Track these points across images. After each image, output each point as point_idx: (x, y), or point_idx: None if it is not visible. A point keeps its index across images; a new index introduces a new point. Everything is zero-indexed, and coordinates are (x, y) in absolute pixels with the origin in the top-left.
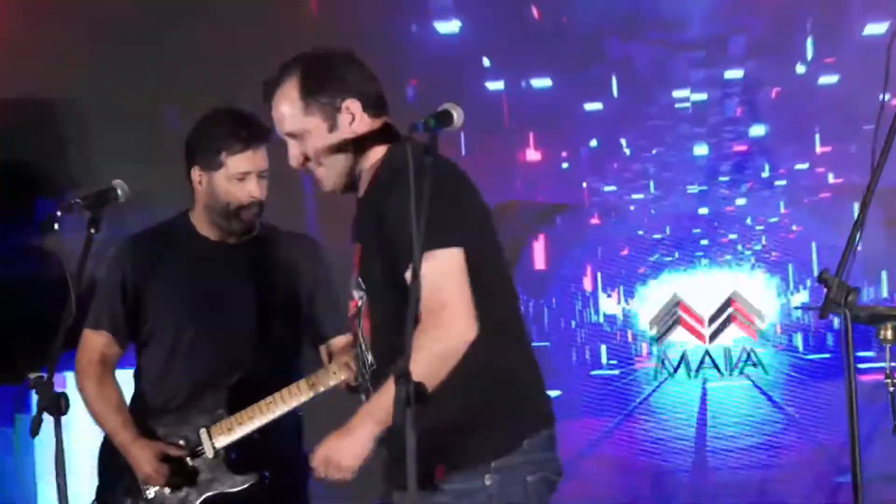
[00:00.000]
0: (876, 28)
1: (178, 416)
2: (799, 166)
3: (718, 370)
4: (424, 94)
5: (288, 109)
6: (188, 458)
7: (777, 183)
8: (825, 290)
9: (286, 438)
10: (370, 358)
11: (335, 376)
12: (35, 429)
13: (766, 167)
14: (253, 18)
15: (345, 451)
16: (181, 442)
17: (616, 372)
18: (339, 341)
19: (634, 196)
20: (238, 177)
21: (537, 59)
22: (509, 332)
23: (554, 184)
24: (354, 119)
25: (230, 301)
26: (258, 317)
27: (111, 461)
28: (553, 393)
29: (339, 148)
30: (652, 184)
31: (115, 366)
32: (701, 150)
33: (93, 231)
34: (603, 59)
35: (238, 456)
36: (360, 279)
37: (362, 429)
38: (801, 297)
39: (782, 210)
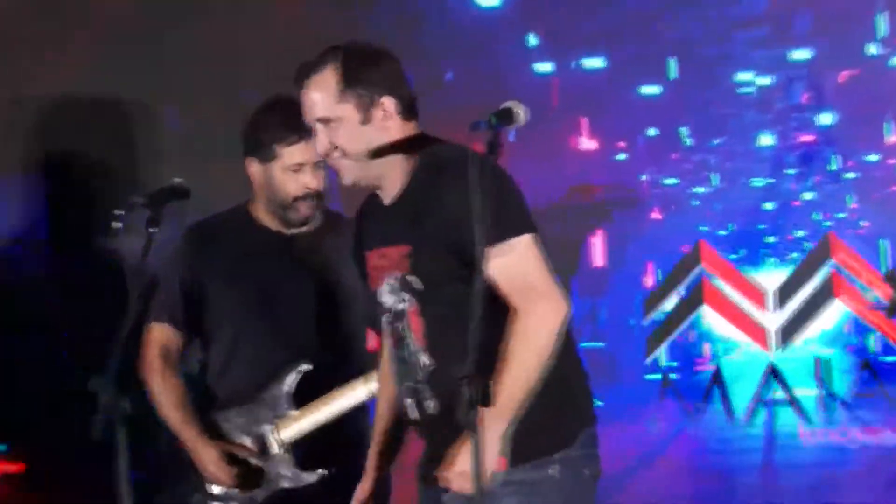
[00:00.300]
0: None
1: (243, 411)
2: (869, 158)
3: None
4: (463, 76)
5: (323, 94)
6: (255, 455)
7: (845, 176)
8: (893, 289)
9: (351, 433)
10: (424, 359)
11: None
12: (97, 430)
13: (834, 159)
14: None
15: (489, 452)
16: (246, 438)
17: (673, 376)
18: None
19: (696, 189)
20: (293, 168)
21: (589, 36)
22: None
23: (610, 175)
24: (387, 117)
25: (291, 291)
26: (320, 307)
27: (177, 455)
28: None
29: (371, 146)
30: (715, 176)
31: (178, 360)
32: (766, 139)
33: (152, 230)
34: (659, 37)
35: (303, 451)
36: (406, 279)
37: (492, 432)
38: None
39: (851, 205)
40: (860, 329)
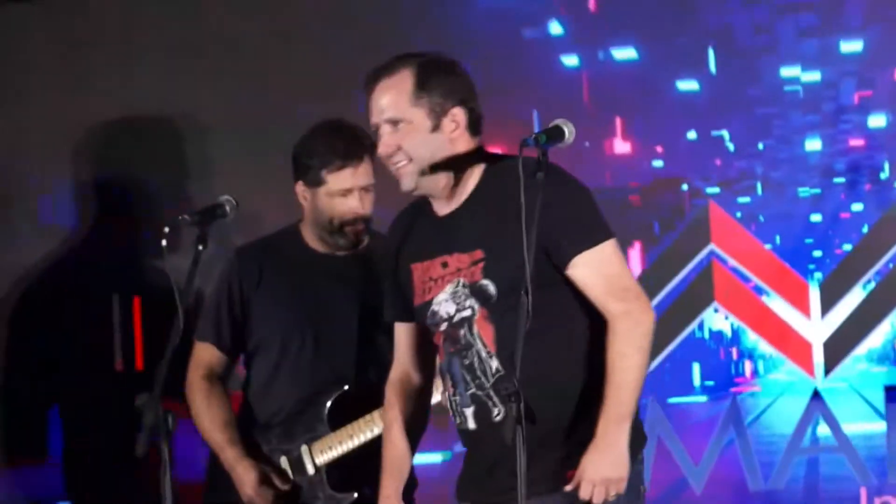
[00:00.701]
0: None
1: (282, 432)
2: None
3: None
4: (481, 68)
5: (396, 96)
6: (290, 476)
7: None
8: None
9: None
10: (495, 364)
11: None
12: (142, 448)
13: (886, 166)
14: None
15: (618, 466)
16: (283, 459)
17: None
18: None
19: (741, 200)
20: (340, 193)
21: (620, 19)
22: None
23: (648, 182)
24: (457, 128)
25: (336, 313)
26: (364, 330)
27: (219, 474)
28: None
29: (436, 155)
30: (759, 185)
31: (226, 379)
32: (813, 144)
33: (200, 248)
34: (697, 25)
35: (339, 473)
36: (478, 285)
37: (619, 435)
38: None
39: None
40: None
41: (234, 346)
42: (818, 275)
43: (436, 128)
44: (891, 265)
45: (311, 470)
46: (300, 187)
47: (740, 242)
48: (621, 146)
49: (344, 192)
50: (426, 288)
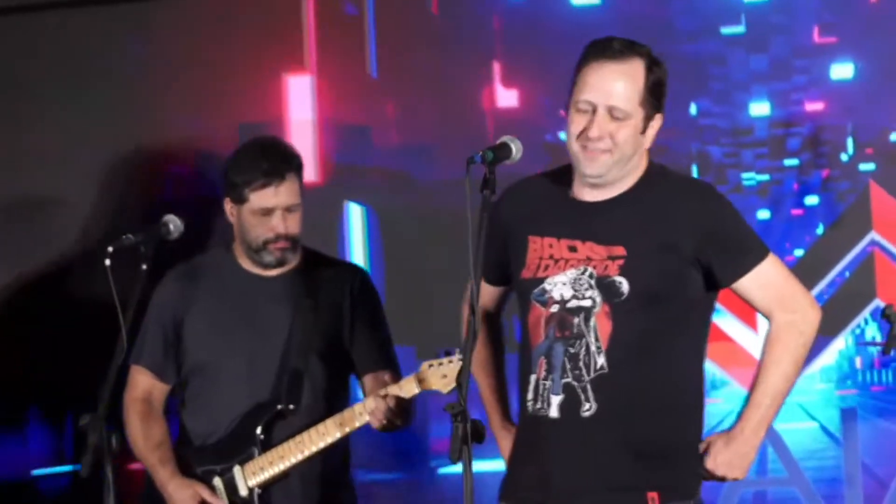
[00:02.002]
0: None
1: (216, 452)
2: None
3: None
4: None
5: (631, 89)
6: (224, 499)
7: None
8: (888, 326)
9: (327, 477)
10: (601, 361)
11: (360, 417)
12: (87, 469)
13: (850, 142)
14: None
15: (739, 466)
16: (217, 479)
17: None
18: (369, 381)
19: None
20: (262, 212)
21: None
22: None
23: None
24: (654, 135)
25: (267, 334)
26: (297, 350)
27: (155, 495)
28: None
29: (634, 155)
30: (695, 167)
31: (162, 401)
32: (761, 108)
33: (144, 267)
34: (688, 157)
35: (271, 494)
36: (611, 280)
37: (754, 438)
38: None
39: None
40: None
41: (167, 369)
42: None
43: (644, 130)
44: (847, 273)
45: (243, 491)
46: (228, 204)
47: None
48: None
49: (266, 211)
50: (543, 265)
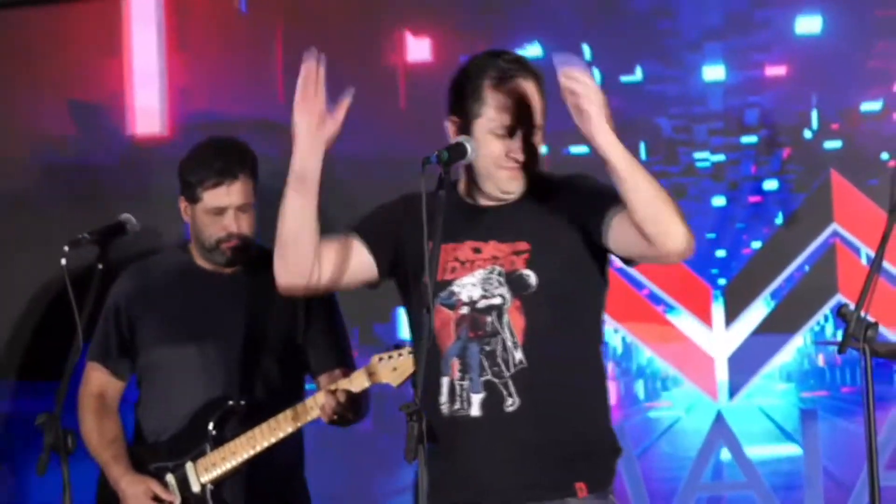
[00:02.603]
0: (871, 105)
1: (169, 449)
2: None
3: None
4: None
5: (539, 105)
6: (177, 495)
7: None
8: (844, 325)
9: (280, 473)
10: (519, 356)
11: (311, 412)
12: (42, 467)
13: (815, 115)
14: None
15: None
16: (170, 476)
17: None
18: (324, 381)
19: None
20: (214, 211)
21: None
22: None
23: None
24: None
25: (221, 331)
26: (250, 348)
27: (109, 492)
28: None
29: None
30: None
31: (117, 398)
32: (719, 201)
33: (100, 266)
34: (634, 131)
35: (223, 490)
36: (518, 275)
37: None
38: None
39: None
40: (845, 363)
41: (121, 366)
42: (722, 280)
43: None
44: (806, 268)
45: (195, 487)
46: (182, 203)
47: None
48: None
49: (218, 211)
50: (449, 268)
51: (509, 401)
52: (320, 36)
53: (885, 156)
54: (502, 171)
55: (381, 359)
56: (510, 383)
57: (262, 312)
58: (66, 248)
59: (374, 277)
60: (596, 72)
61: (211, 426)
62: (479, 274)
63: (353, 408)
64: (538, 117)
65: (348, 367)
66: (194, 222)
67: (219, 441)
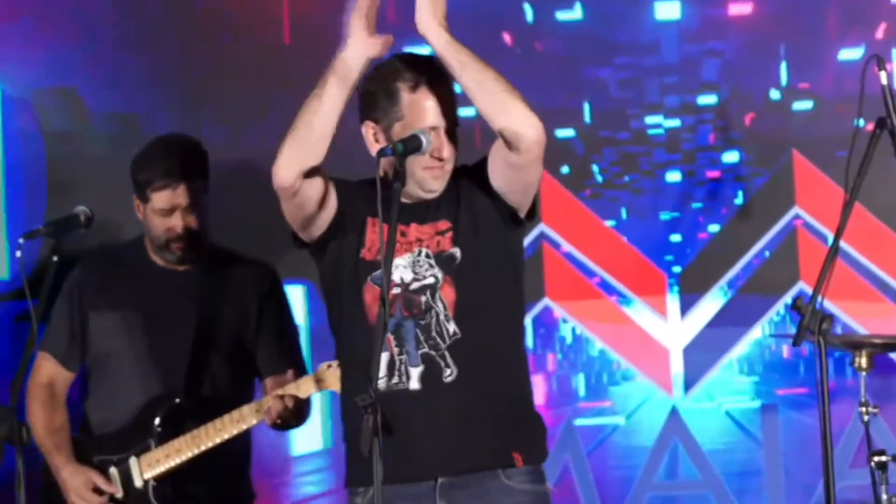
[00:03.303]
0: (850, 53)
1: (115, 443)
2: None
3: None
4: None
5: (453, 104)
6: (119, 488)
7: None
8: (799, 317)
9: (225, 472)
10: (452, 327)
11: (257, 415)
12: None
13: (741, 194)
14: None
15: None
16: (114, 470)
17: None
18: (270, 383)
19: (607, 223)
20: (162, 212)
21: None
22: None
23: None
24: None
25: (171, 327)
26: (199, 346)
27: (50, 485)
28: None
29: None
30: (624, 210)
31: (65, 389)
32: (674, 176)
33: (55, 258)
34: (576, 87)
35: (165, 487)
36: (446, 253)
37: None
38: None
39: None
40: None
41: (71, 356)
42: (677, 268)
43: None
44: (766, 254)
45: (138, 482)
46: (136, 201)
47: (578, 220)
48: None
49: (166, 211)
50: (377, 248)
51: (447, 371)
52: None
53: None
54: (426, 172)
55: (329, 366)
56: (447, 355)
57: (214, 311)
58: (21, 241)
59: (322, 230)
60: (527, 6)
61: (157, 422)
62: (408, 257)
63: (297, 413)
64: (455, 116)
65: (298, 370)
66: (145, 220)
67: (164, 438)
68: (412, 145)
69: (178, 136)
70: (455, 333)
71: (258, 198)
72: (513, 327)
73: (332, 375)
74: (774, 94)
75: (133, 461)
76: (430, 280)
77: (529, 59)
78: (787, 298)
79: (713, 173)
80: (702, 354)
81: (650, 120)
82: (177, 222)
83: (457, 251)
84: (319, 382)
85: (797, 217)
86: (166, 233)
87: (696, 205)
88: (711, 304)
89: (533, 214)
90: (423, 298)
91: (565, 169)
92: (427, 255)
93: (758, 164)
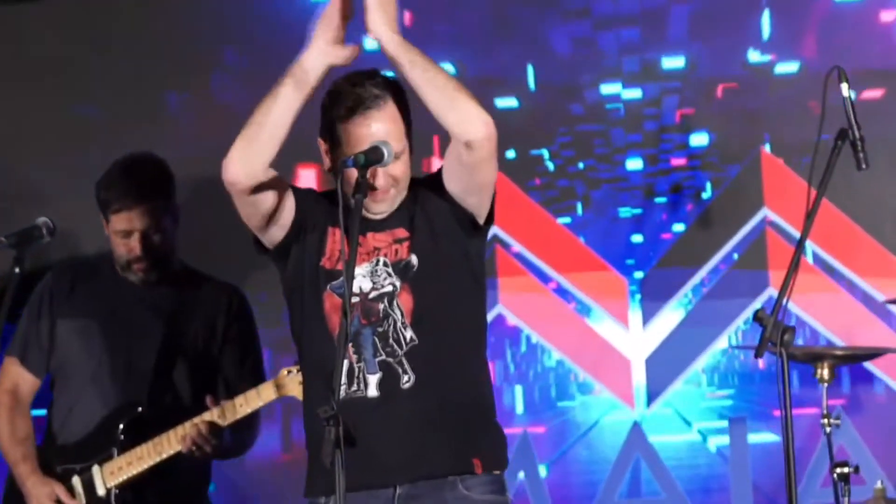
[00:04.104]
0: None
1: (77, 451)
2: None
3: None
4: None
5: (398, 128)
6: (82, 499)
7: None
8: (761, 329)
9: (187, 481)
10: (409, 334)
11: (220, 420)
12: None
13: (709, 186)
14: None
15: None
16: (76, 478)
17: None
18: (209, 400)
19: (561, 220)
20: (120, 234)
21: (437, 35)
22: None
23: None
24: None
25: (136, 338)
26: (164, 357)
27: (15, 490)
28: None
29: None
30: (580, 205)
31: (30, 396)
32: (635, 164)
33: (17, 270)
34: (515, 40)
35: (127, 495)
36: (403, 261)
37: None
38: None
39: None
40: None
41: (37, 364)
42: (639, 273)
43: (411, 151)
44: (735, 256)
45: (101, 490)
46: (102, 219)
47: (528, 217)
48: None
49: (124, 233)
50: (338, 257)
51: (405, 378)
52: None
53: (849, 90)
54: (368, 196)
55: (289, 371)
56: (405, 361)
57: (181, 326)
58: None
59: (282, 234)
60: None
61: (120, 430)
62: (366, 266)
63: (213, 442)
64: (396, 144)
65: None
66: (110, 239)
67: (126, 446)
68: (373, 157)
69: (142, 155)
70: (412, 340)
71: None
72: (472, 334)
73: (293, 381)
74: (753, 56)
75: (96, 469)
76: (388, 288)
77: (461, 8)
78: (757, 304)
79: (678, 160)
80: (665, 365)
81: (606, 89)
82: (135, 244)
83: (413, 258)
84: (280, 388)
85: (766, 220)
86: (127, 254)
87: (660, 199)
88: (674, 312)
89: (491, 219)
90: (381, 306)
91: (510, 153)
92: (385, 264)
93: (729, 150)
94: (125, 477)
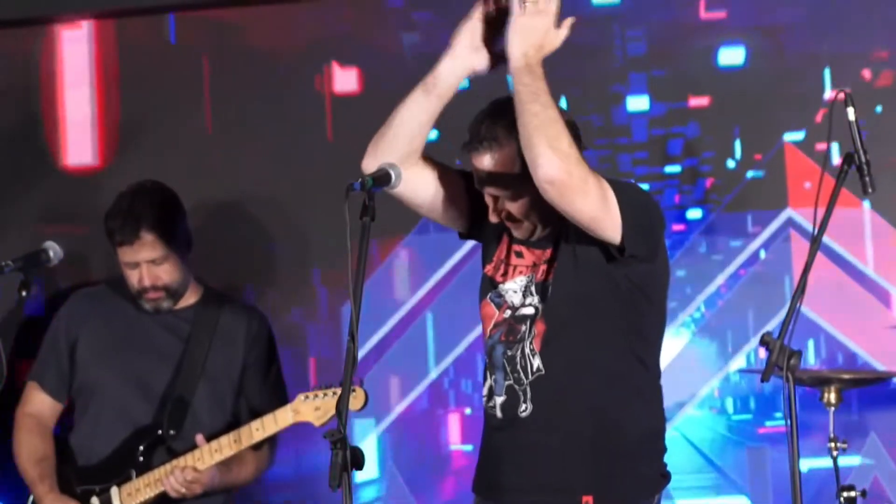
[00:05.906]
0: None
1: (96, 473)
2: (734, 243)
3: None
4: None
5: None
6: None
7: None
8: (767, 353)
9: (206, 501)
10: (537, 363)
11: (235, 445)
12: None
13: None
14: None
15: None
16: (95, 499)
17: None
18: (199, 439)
19: None
20: (127, 266)
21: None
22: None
23: None
24: None
25: (157, 361)
26: (184, 381)
27: None
28: None
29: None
30: None
31: (52, 420)
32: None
33: (24, 293)
34: None
35: None
36: (542, 284)
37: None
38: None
39: (719, 282)
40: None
41: (60, 388)
42: None
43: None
44: (740, 276)
45: None
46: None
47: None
48: None
49: (130, 265)
50: (500, 269)
51: (523, 406)
52: (247, 66)
53: (807, 184)
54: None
55: (306, 397)
56: (528, 390)
57: (201, 349)
58: None
59: (465, 217)
60: None
61: (140, 452)
62: (521, 280)
63: (193, 487)
64: (498, 185)
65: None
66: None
67: (146, 468)
68: (382, 181)
69: (144, 186)
70: (539, 369)
71: None
72: (608, 365)
73: (308, 406)
74: (730, 164)
75: (114, 490)
76: (530, 310)
77: None
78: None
79: (678, 227)
80: (673, 391)
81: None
82: (143, 276)
83: (551, 283)
84: (296, 413)
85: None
86: (136, 284)
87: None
88: (677, 339)
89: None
90: (522, 328)
91: None
92: (532, 281)
93: (718, 222)
94: (143, 499)
